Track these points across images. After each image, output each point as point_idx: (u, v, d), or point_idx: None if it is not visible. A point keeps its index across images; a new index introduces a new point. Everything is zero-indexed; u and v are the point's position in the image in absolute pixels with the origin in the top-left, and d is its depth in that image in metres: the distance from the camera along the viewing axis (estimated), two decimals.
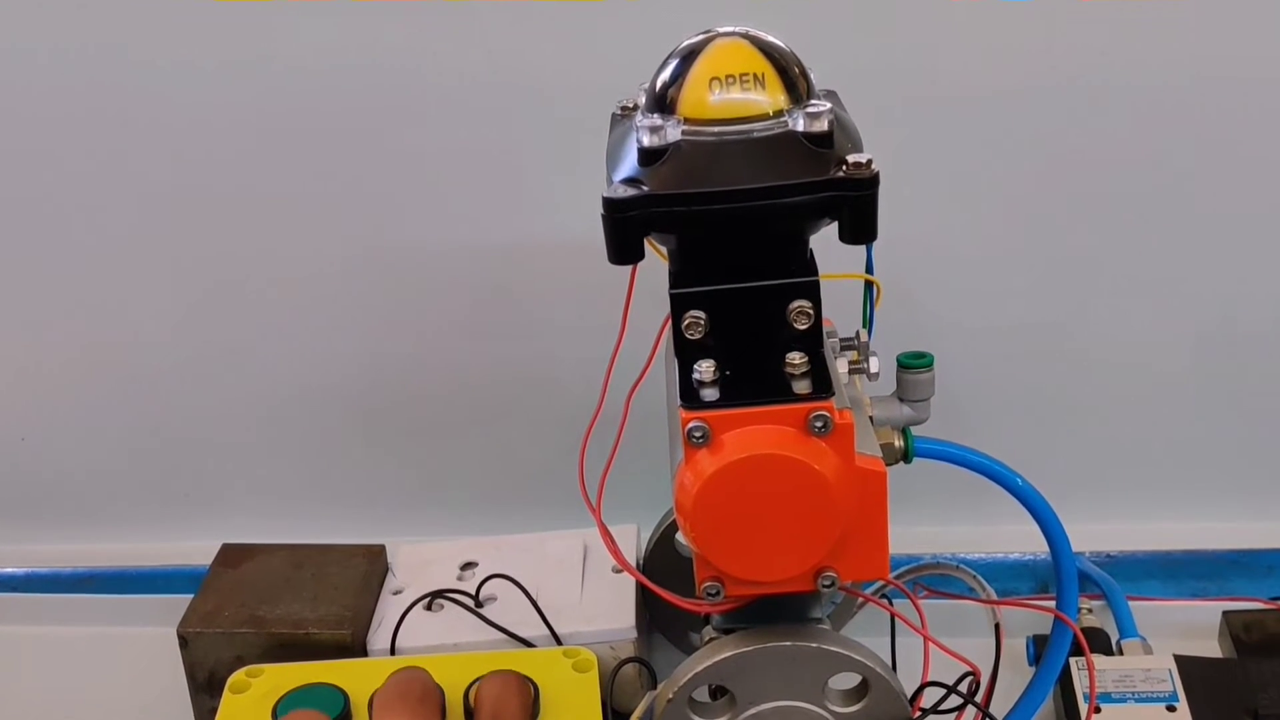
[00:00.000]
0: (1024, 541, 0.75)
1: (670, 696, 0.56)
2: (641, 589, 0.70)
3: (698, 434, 0.50)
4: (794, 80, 0.50)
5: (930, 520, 0.78)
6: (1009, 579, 0.79)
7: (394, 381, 0.83)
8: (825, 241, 0.52)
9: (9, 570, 0.87)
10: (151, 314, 0.84)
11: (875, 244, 0.53)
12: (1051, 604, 0.62)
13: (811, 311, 0.51)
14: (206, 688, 0.68)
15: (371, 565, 0.72)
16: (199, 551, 0.76)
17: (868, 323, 0.60)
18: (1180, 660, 0.67)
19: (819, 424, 0.50)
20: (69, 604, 0.83)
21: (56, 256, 0.82)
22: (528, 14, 0.72)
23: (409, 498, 0.86)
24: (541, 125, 0.75)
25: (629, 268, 0.52)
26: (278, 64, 0.75)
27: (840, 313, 0.60)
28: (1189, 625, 0.74)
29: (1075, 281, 0.78)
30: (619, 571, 0.71)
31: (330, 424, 0.85)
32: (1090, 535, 0.78)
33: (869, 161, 0.48)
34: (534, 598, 0.69)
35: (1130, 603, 0.74)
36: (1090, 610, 0.74)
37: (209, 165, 0.78)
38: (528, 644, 0.67)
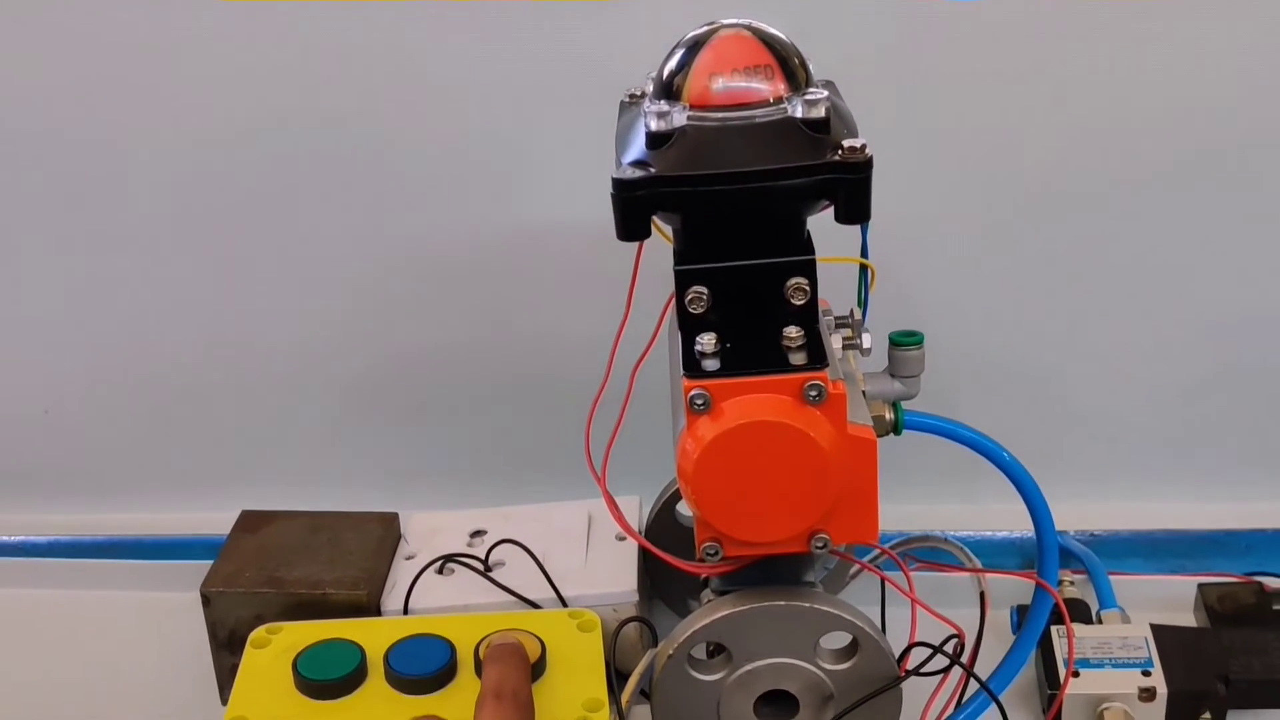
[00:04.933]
0: (1011, 520, 0.78)
1: (670, 653, 0.60)
2: (643, 555, 0.73)
3: (699, 401, 0.53)
4: (793, 69, 0.54)
5: (921, 499, 0.80)
6: (996, 556, 0.81)
7: (407, 359, 0.86)
8: (824, 226, 0.55)
9: (34, 538, 0.89)
10: (173, 294, 0.86)
11: (870, 227, 0.56)
12: (1034, 574, 0.65)
13: (808, 288, 0.54)
14: (227, 645, 0.71)
15: (385, 531, 0.75)
16: (217, 522, 0.79)
17: (862, 304, 0.62)
18: (1156, 629, 0.70)
19: (813, 393, 0.53)
20: (92, 569, 0.86)
21: (81, 239, 0.85)
22: (531, 5, 0.75)
23: (421, 472, 0.88)
24: (548, 110, 0.78)
25: (634, 249, 0.55)
26: (290, 58, 0.78)
27: (836, 294, 0.63)
28: (1167, 599, 0.76)
29: (1063, 269, 0.81)
30: (622, 539, 0.74)
31: (345, 400, 0.88)
32: (1075, 515, 0.80)
33: (863, 146, 0.51)
34: (541, 562, 0.72)
35: (1111, 578, 0.77)
36: (1072, 583, 0.77)
37: (229, 153, 0.81)
38: (534, 605, 0.70)
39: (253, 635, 0.67)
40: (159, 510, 0.90)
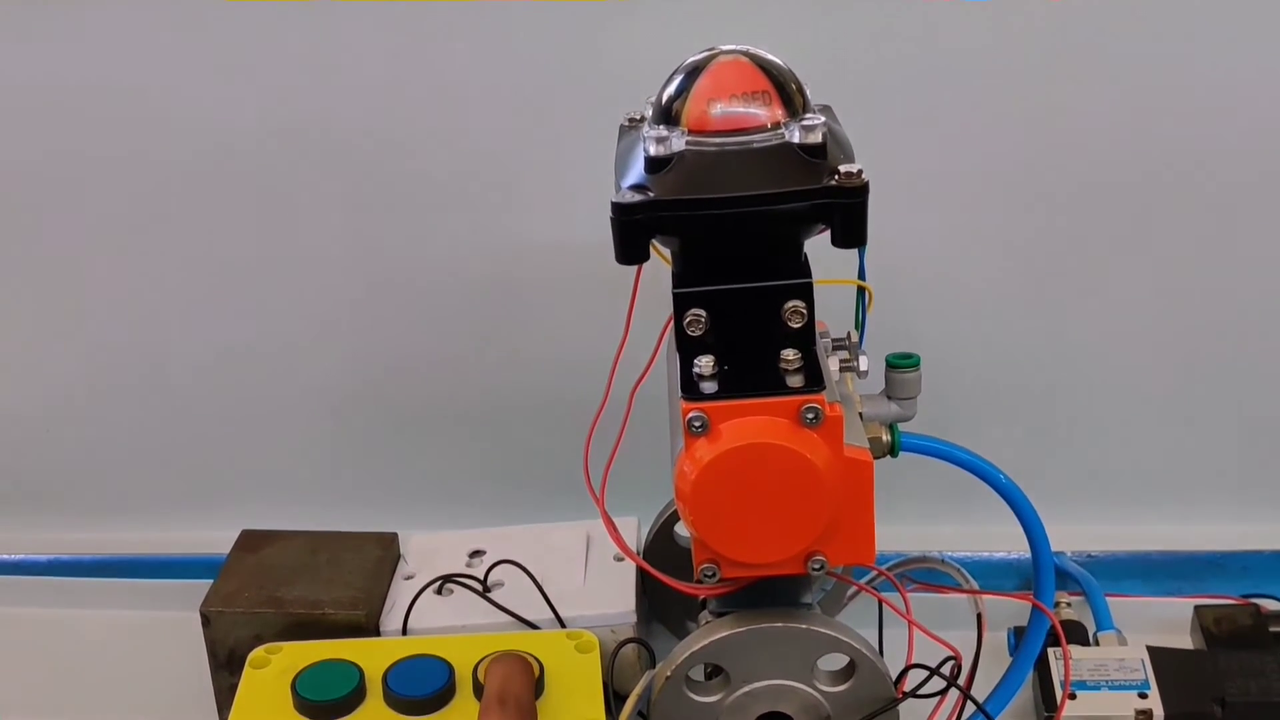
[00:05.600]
0: (1008, 541, 0.78)
1: (668, 674, 0.60)
2: (641, 576, 0.73)
3: (697, 424, 0.54)
4: (791, 95, 0.54)
5: (918, 520, 0.80)
6: (993, 577, 0.81)
7: (407, 378, 0.86)
8: (822, 248, 0.55)
9: (33, 556, 0.90)
10: (172, 312, 0.87)
11: (867, 249, 0.57)
12: (1030, 596, 0.65)
13: (805, 311, 0.55)
14: (226, 665, 0.71)
15: (384, 551, 0.75)
16: (216, 541, 0.79)
17: (860, 326, 0.63)
18: (1153, 651, 0.71)
19: (810, 415, 0.53)
20: (91, 587, 0.86)
21: (82, 256, 0.86)
22: (537, 21, 0.76)
23: (419, 491, 0.89)
24: (551, 130, 0.78)
25: (633, 270, 0.55)
26: (293, 68, 0.79)
27: (834, 316, 0.63)
28: (1164, 621, 0.77)
29: (1060, 291, 0.81)
30: (620, 560, 0.74)
31: (344, 419, 0.88)
32: (1072, 536, 0.81)
33: (859, 171, 0.52)
34: (539, 583, 0.72)
35: (1108, 599, 0.77)
36: (1069, 605, 0.77)
37: (230, 169, 0.82)
38: (533, 626, 0.70)
39: (252, 655, 0.67)
40: (159, 529, 0.90)
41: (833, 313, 0.63)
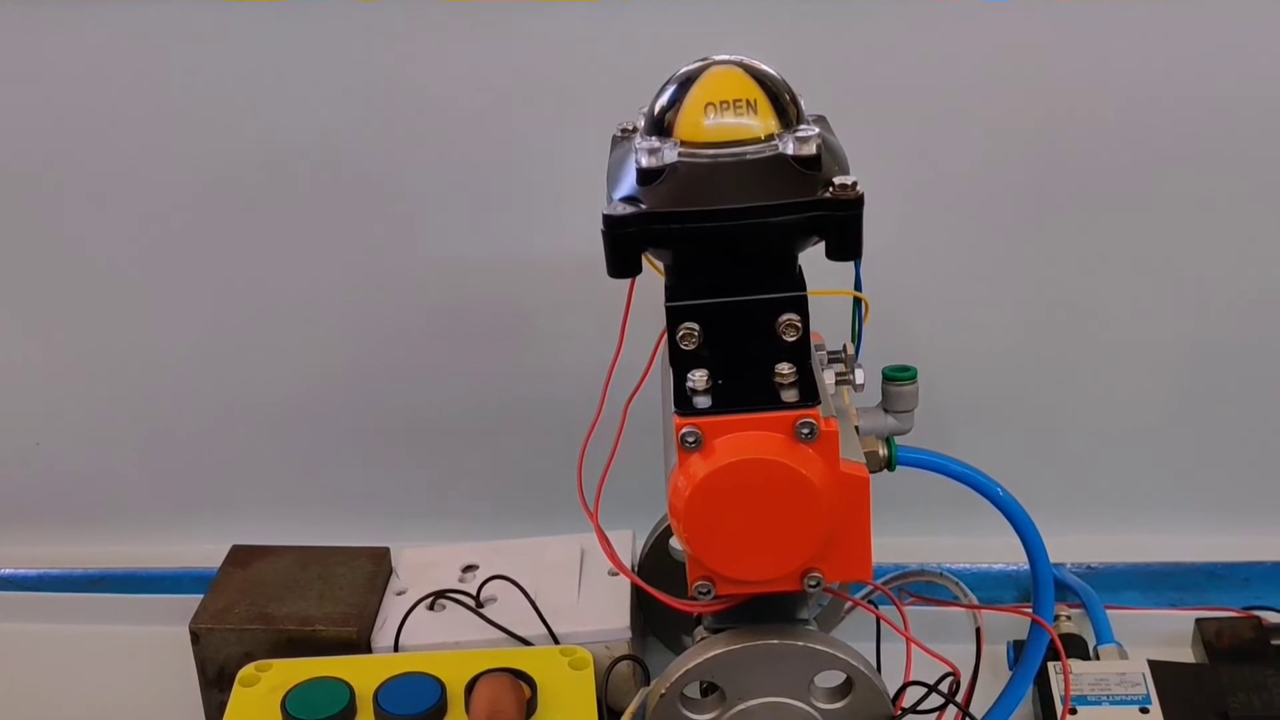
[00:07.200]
0: (1008, 553, 0.77)
1: (663, 692, 0.59)
2: (636, 591, 0.72)
3: (691, 439, 0.53)
4: (784, 106, 0.54)
5: (916, 532, 0.80)
6: (992, 589, 0.81)
7: (398, 390, 0.86)
8: (818, 257, 0.55)
9: (22, 570, 0.89)
10: (163, 322, 0.86)
11: (864, 260, 0.56)
12: (1029, 610, 0.65)
13: (800, 324, 0.54)
14: (216, 682, 0.71)
15: (376, 566, 0.75)
16: (206, 555, 0.79)
17: (856, 338, 0.62)
18: (1154, 665, 0.70)
19: (805, 431, 0.53)
20: (80, 603, 0.85)
21: (71, 267, 0.85)
22: (535, 34, 0.75)
23: (412, 505, 0.88)
24: (545, 142, 0.78)
25: (627, 281, 0.54)
26: (291, 79, 0.78)
27: (830, 328, 0.63)
28: (1165, 633, 0.76)
29: (1058, 301, 0.81)
30: (615, 575, 0.73)
31: (336, 432, 0.88)
32: (1071, 547, 0.80)
33: (854, 183, 0.51)
34: (533, 598, 0.71)
35: (1108, 611, 0.76)
36: (1069, 618, 0.76)
37: (222, 177, 0.81)
38: (526, 643, 0.70)
39: (241, 673, 0.67)
40: (149, 543, 0.90)
41: (828, 323, 0.62)
